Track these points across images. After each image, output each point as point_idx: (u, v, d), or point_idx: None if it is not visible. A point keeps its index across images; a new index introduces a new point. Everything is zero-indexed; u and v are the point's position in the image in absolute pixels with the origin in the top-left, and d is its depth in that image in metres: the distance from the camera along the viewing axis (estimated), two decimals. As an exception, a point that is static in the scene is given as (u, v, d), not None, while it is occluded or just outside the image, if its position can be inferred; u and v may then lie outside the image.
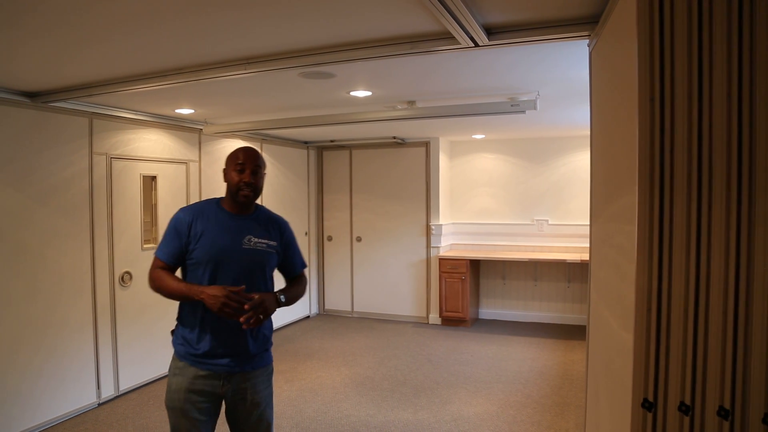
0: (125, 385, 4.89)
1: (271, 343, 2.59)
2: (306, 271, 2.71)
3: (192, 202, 5.59)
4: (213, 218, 2.38)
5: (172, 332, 2.46)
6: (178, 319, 2.43)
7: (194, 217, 2.36)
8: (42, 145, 4.17)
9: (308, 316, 8.02)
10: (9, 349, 3.92)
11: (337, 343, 6.62)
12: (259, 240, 2.41)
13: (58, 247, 4.29)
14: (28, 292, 4.06)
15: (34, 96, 4.03)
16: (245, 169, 2.36)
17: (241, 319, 2.17)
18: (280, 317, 7.29)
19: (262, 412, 2.49)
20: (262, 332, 2.49)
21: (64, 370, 4.32)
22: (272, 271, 2.51)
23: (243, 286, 2.22)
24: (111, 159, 4.75)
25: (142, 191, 5.07)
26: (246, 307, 2.18)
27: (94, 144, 4.60)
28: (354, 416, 4.39)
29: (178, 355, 2.38)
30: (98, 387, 4.63)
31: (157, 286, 2.33)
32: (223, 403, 2.43)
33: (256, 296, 2.24)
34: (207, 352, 2.33)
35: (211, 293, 2.17)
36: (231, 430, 2.50)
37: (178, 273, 2.44)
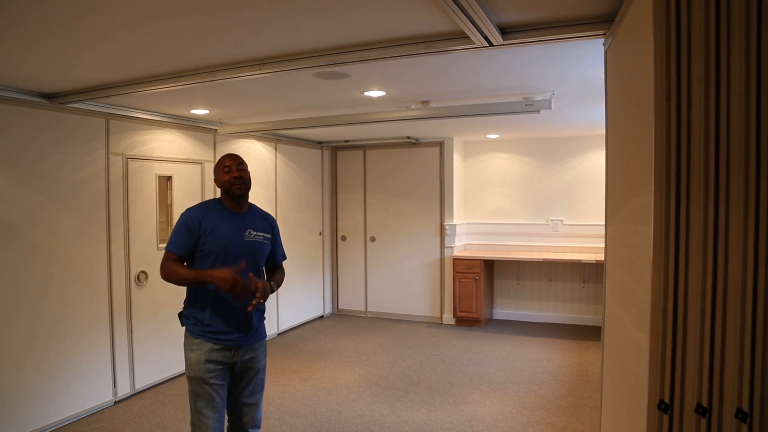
0: (141, 384, 4.94)
1: (265, 318, 3.01)
2: (284, 263, 3.17)
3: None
4: (219, 215, 2.79)
5: (180, 315, 2.86)
6: (189, 302, 2.82)
7: (203, 215, 2.76)
8: (59, 145, 4.22)
9: (322, 316, 8.04)
10: (25, 347, 3.98)
11: (351, 342, 6.63)
12: (258, 233, 2.87)
13: (74, 246, 4.34)
14: (44, 290, 4.11)
15: (52, 97, 4.08)
16: (232, 168, 2.81)
17: (250, 307, 2.62)
18: (294, 317, 7.32)
19: (261, 378, 2.95)
20: (261, 311, 2.93)
21: (80, 368, 4.37)
22: (265, 259, 2.95)
23: (243, 264, 2.63)
24: (127, 159, 4.79)
25: (157, 191, 5.11)
26: (258, 295, 2.62)
27: (111, 144, 4.65)
28: (368, 416, 4.39)
29: (192, 334, 2.76)
30: (114, 385, 4.68)
31: (168, 274, 2.70)
32: (232, 368, 2.83)
33: (259, 283, 2.65)
34: (219, 330, 2.74)
35: (220, 275, 2.55)
36: (232, 393, 2.87)
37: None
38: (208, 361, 2.72)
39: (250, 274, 2.68)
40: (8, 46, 2.87)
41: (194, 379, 2.74)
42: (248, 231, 2.82)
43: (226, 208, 2.85)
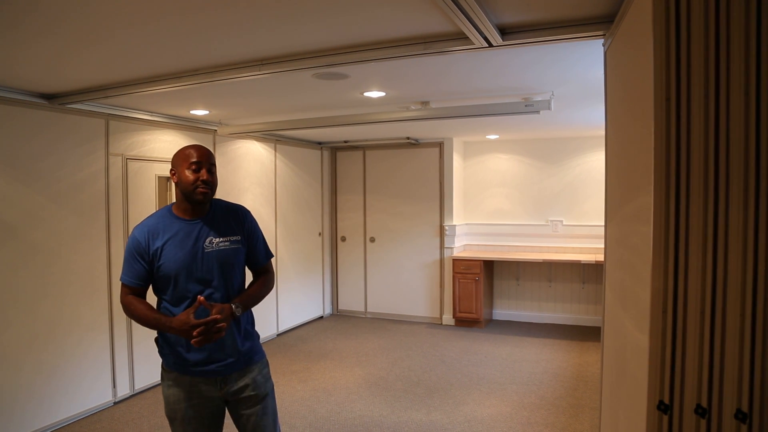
0: (140, 384, 4.94)
1: (258, 336, 2.53)
2: (272, 261, 2.59)
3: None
4: (169, 230, 2.30)
5: (156, 340, 2.43)
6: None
7: (149, 235, 2.29)
8: (58, 145, 4.22)
9: (322, 317, 8.04)
10: (24, 348, 3.97)
11: (351, 343, 6.63)
12: (221, 239, 2.34)
13: (73, 246, 4.34)
14: (43, 290, 4.11)
15: (52, 98, 4.08)
16: (201, 167, 2.27)
17: (193, 342, 2.13)
18: (294, 317, 7.32)
19: (265, 406, 2.43)
20: (245, 329, 2.42)
21: (79, 368, 4.37)
22: (243, 266, 2.46)
23: (201, 299, 2.17)
24: (127, 160, 4.79)
25: (157, 192, 5.11)
26: (196, 332, 2.12)
27: (110, 145, 4.65)
28: (367, 416, 4.39)
29: (168, 366, 2.35)
30: (114, 386, 4.67)
31: (129, 313, 2.30)
32: (227, 402, 2.42)
33: (214, 310, 2.18)
34: (198, 360, 2.29)
35: (178, 327, 2.15)
36: (238, 429, 2.45)
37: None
38: (191, 397, 2.30)
39: (212, 306, 2.19)
40: (5, 47, 2.87)
41: (175, 420, 2.32)
42: (208, 239, 2.31)
43: (178, 217, 2.33)
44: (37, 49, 2.91)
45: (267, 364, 2.52)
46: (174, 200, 2.41)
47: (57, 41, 2.79)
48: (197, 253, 2.28)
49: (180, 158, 2.30)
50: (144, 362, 4.95)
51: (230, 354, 2.33)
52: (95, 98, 4.02)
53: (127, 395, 4.81)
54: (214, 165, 2.35)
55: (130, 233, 2.36)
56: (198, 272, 2.28)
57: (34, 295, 4.03)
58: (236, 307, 2.28)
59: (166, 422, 4.25)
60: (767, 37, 1.42)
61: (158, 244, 2.27)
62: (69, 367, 4.28)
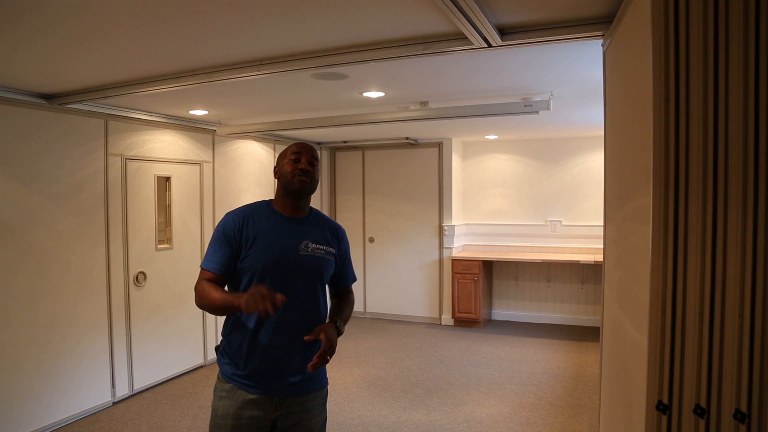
0: (139, 385, 4.94)
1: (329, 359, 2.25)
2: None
3: (206, 203, 5.62)
4: (266, 221, 2.15)
5: (217, 349, 2.25)
6: (226, 333, 2.18)
7: (244, 221, 2.13)
8: (58, 145, 4.22)
9: (321, 317, 8.03)
10: (23, 348, 3.97)
11: (350, 343, 6.62)
12: (318, 246, 2.17)
13: (72, 246, 4.33)
14: (42, 291, 4.11)
15: (51, 98, 4.07)
16: (301, 158, 2.15)
17: (309, 367, 1.98)
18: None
19: None
20: (316, 350, 2.14)
21: (78, 368, 4.37)
22: (328, 281, 2.27)
23: (282, 299, 1.89)
24: (126, 160, 4.79)
25: (156, 192, 5.11)
26: (317, 358, 1.97)
27: (110, 145, 4.64)
28: (366, 416, 4.39)
29: (225, 376, 2.14)
30: (113, 386, 4.67)
31: (200, 297, 2.07)
32: (275, 426, 2.17)
33: (322, 336, 2.01)
34: (256, 373, 2.09)
35: (251, 291, 1.88)
36: None
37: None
38: (240, 416, 2.06)
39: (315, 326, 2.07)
40: (4, 46, 2.86)
41: None
42: (305, 242, 2.14)
43: (277, 212, 2.19)
44: (36, 48, 2.91)
45: (327, 394, 2.30)
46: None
47: (56, 41, 2.78)
48: (290, 253, 2.11)
49: (283, 154, 2.22)
50: (143, 362, 4.95)
51: (297, 373, 2.13)
52: (94, 98, 4.02)
53: (126, 395, 4.81)
54: (317, 159, 2.21)
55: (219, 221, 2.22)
56: (284, 274, 2.09)
57: (32, 295, 4.03)
58: (340, 323, 2.15)
59: (166, 422, 4.25)
60: (766, 37, 1.42)
61: (252, 232, 2.11)
62: (68, 367, 4.28)
